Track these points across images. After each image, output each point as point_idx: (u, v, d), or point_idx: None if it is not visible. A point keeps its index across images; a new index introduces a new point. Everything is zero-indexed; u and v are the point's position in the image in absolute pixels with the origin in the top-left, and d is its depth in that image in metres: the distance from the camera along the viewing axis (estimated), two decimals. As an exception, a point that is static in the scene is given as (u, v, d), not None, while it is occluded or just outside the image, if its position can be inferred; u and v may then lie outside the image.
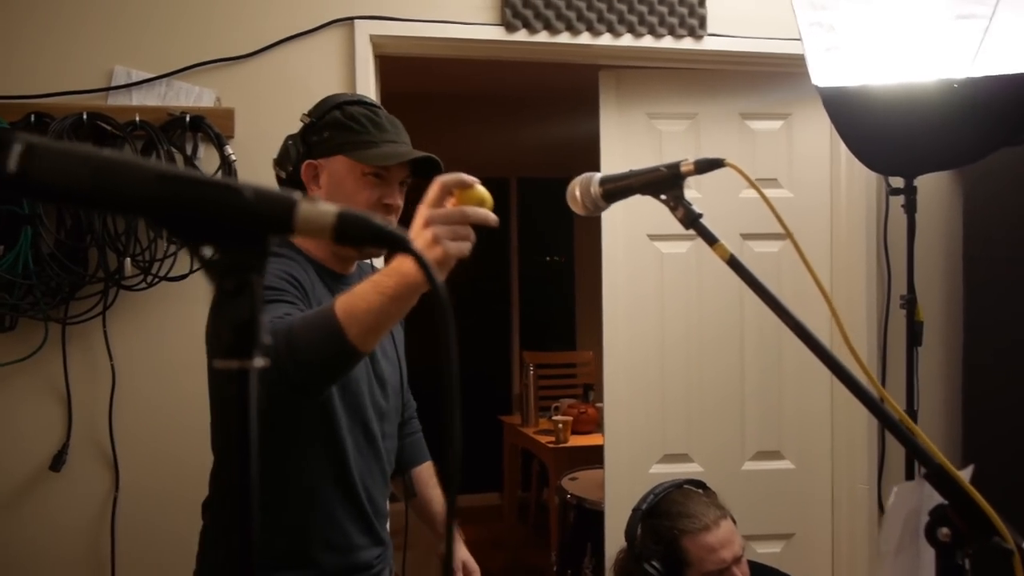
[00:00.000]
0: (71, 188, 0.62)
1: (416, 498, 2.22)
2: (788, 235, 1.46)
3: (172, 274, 2.56)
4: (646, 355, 3.17)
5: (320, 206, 0.64)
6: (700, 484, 2.31)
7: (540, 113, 6.12)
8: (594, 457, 4.79)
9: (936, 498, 1.10)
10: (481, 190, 1.29)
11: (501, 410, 6.54)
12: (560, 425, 4.91)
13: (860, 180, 3.08)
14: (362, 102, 1.87)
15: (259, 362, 0.62)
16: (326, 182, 1.82)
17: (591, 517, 4.00)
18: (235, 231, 0.62)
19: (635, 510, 2.28)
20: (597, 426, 5.20)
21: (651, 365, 3.17)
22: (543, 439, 5.04)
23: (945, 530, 1.10)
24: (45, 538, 2.58)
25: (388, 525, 2.16)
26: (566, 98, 5.34)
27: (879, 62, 2.53)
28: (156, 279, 2.54)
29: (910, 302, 2.78)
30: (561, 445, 4.89)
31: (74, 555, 2.59)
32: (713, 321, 3.17)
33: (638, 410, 3.16)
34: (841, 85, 2.53)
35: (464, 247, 1.25)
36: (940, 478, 1.09)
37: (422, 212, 1.25)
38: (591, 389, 5.64)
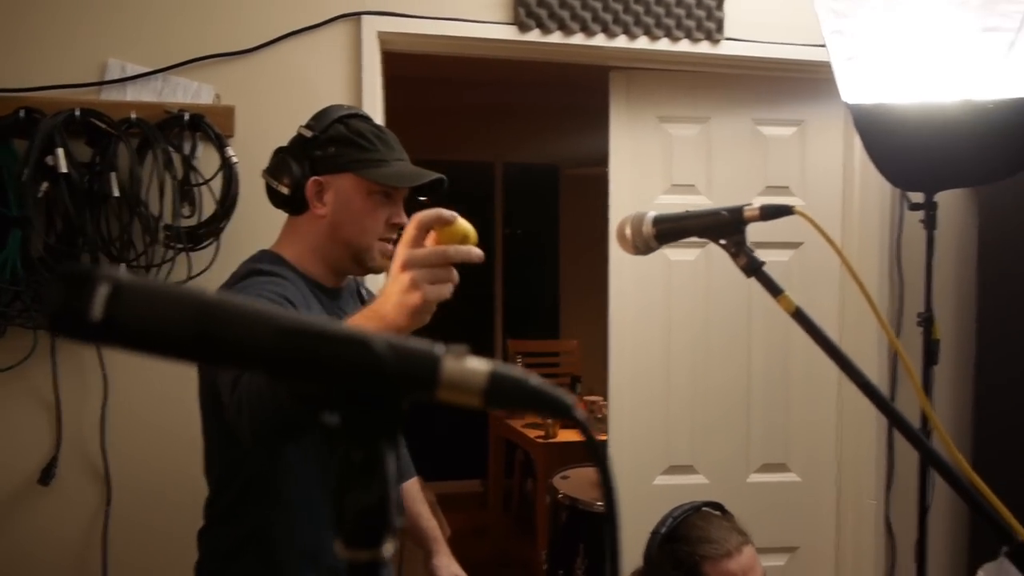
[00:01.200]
0: (169, 337, 0.52)
1: (403, 514, 2.15)
2: (855, 279, 1.39)
3: (170, 280, 2.43)
4: (652, 363, 3.09)
5: (469, 364, 0.53)
6: (719, 506, 2.25)
7: (530, 98, 6.00)
8: (583, 453, 4.73)
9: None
10: (463, 225, 1.19)
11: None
12: (549, 420, 4.83)
13: (874, 192, 3.00)
14: (361, 116, 1.81)
15: (390, 549, 0.52)
16: (332, 200, 1.76)
17: (584, 518, 3.94)
18: (365, 393, 0.52)
19: (654, 533, 2.21)
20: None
21: (657, 373, 3.10)
22: (531, 433, 4.96)
23: None
24: (34, 554, 2.46)
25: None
26: (561, 84, 5.23)
27: (902, 74, 2.45)
28: (152, 286, 2.41)
29: (927, 320, 2.71)
30: (551, 440, 4.82)
31: (65, 569, 2.48)
32: (720, 330, 3.10)
33: (642, 420, 3.09)
34: (870, 102, 2.45)
35: (445, 290, 1.17)
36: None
37: (400, 253, 1.16)
38: (579, 381, 5.57)
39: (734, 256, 1.42)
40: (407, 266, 1.15)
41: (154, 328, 0.51)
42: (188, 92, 2.50)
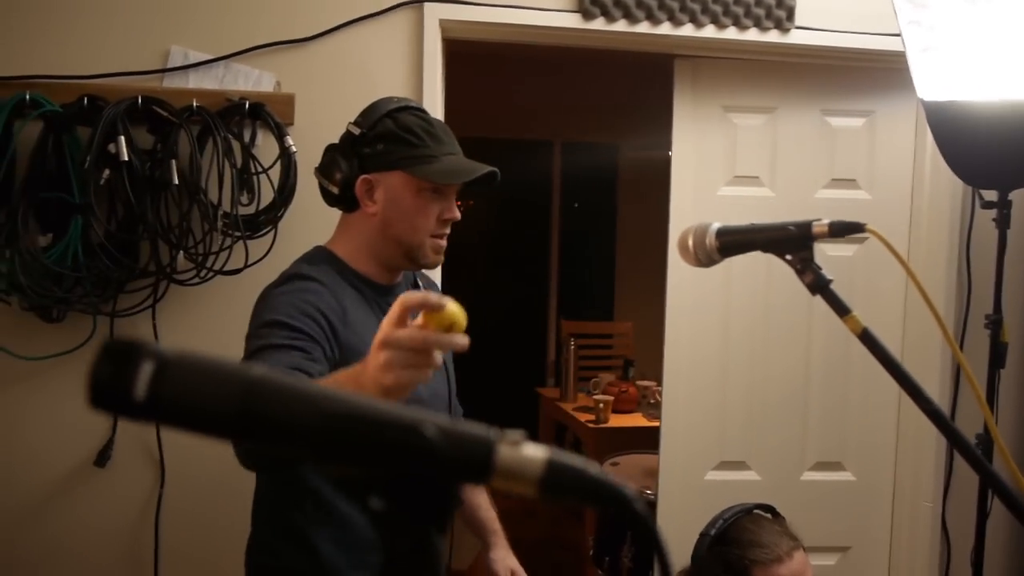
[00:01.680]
0: (213, 416, 0.50)
1: (463, 505, 2.13)
2: (921, 293, 1.33)
3: (227, 268, 2.44)
4: (708, 352, 3.04)
5: (524, 451, 0.51)
6: (770, 509, 2.22)
7: (592, 79, 5.93)
8: (634, 439, 4.70)
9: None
10: (452, 311, 1.11)
11: (536, 378, 6.46)
12: (600, 405, 4.80)
13: (944, 188, 2.91)
14: (410, 108, 1.78)
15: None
16: (382, 198, 1.75)
17: (633, 506, 3.93)
18: (416, 479, 0.50)
19: (703, 535, 2.18)
20: (638, 405, 5.10)
21: (713, 363, 3.04)
22: (582, 417, 4.94)
23: None
24: (88, 533, 2.51)
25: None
26: (624, 67, 5.16)
27: (979, 70, 2.36)
28: (210, 273, 2.43)
29: (996, 322, 2.63)
30: (601, 426, 4.79)
31: (117, 551, 2.53)
32: (780, 321, 3.03)
33: (696, 412, 3.05)
34: (945, 99, 2.36)
35: (421, 376, 1.11)
36: None
37: (383, 329, 1.12)
38: (631, 365, 5.53)
39: (800, 273, 1.37)
40: (384, 346, 1.10)
41: (198, 407, 0.50)
42: (249, 80, 2.49)
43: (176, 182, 2.35)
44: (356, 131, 1.75)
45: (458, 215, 1.81)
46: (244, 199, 2.45)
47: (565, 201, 6.82)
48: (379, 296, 1.81)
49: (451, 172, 1.73)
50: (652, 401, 5.01)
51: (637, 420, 4.93)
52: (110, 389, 0.49)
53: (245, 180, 2.45)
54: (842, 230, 1.34)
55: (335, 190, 1.76)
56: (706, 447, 3.06)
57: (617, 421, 4.87)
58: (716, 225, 1.45)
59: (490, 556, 2.09)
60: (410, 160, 1.72)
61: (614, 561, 4.02)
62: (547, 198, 6.78)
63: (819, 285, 1.34)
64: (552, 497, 0.50)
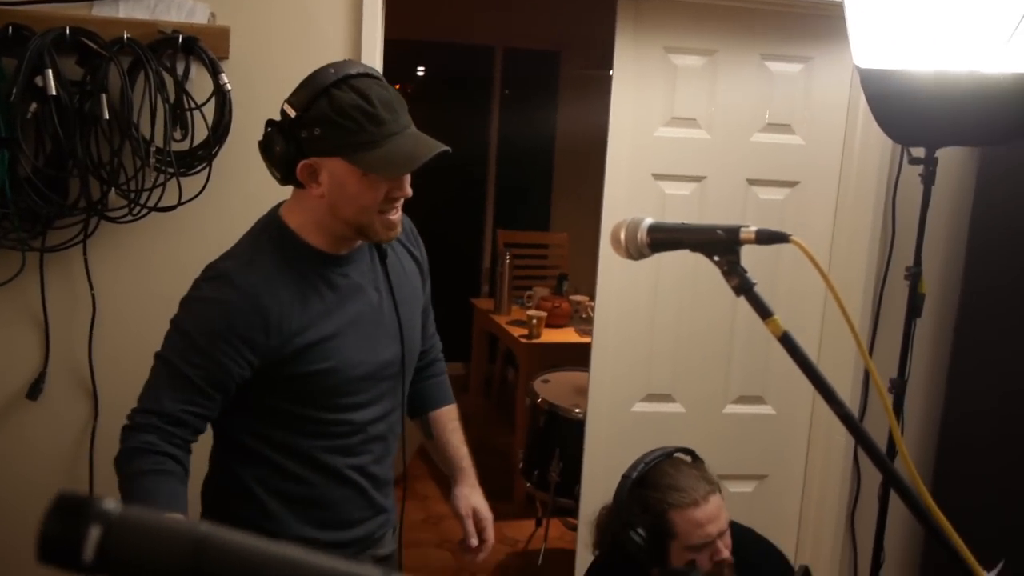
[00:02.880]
0: (165, 573, 0.53)
1: (432, 440, 2.16)
2: (841, 309, 1.39)
3: (161, 204, 2.41)
4: (639, 298, 3.10)
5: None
6: (690, 452, 2.31)
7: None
8: (567, 356, 4.80)
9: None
10: None
11: (471, 287, 6.50)
12: (534, 320, 4.88)
13: (875, 141, 2.96)
14: (349, 81, 1.65)
15: None
16: (327, 181, 1.69)
17: (562, 424, 4.04)
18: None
19: (625, 477, 2.27)
20: (570, 319, 5.20)
21: (643, 308, 3.11)
22: (515, 331, 5.02)
23: None
24: (22, 465, 2.53)
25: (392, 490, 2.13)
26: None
27: (914, 40, 2.40)
28: (144, 210, 2.40)
29: (915, 275, 2.73)
30: (534, 341, 4.88)
31: (52, 482, 2.55)
32: (711, 267, 3.09)
33: (626, 351, 3.12)
34: (880, 67, 2.40)
35: None
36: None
37: None
38: (565, 279, 5.60)
39: (726, 275, 1.42)
40: None
41: (147, 567, 0.53)
42: (182, 10, 2.42)
43: (107, 117, 2.30)
44: (292, 113, 1.66)
45: (409, 192, 1.76)
46: (177, 135, 2.41)
47: (504, 109, 6.76)
48: (331, 268, 1.79)
49: (392, 163, 1.67)
50: (584, 316, 5.12)
51: (569, 335, 5.03)
52: (58, 548, 0.51)
53: (178, 116, 2.40)
54: (768, 238, 1.37)
55: (277, 174, 1.72)
56: (633, 378, 3.15)
57: (550, 336, 4.96)
58: (648, 221, 1.48)
59: (454, 492, 2.09)
60: (349, 147, 1.65)
61: (543, 475, 4.16)
62: (487, 105, 6.70)
63: (744, 288, 1.39)
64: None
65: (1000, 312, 2.90)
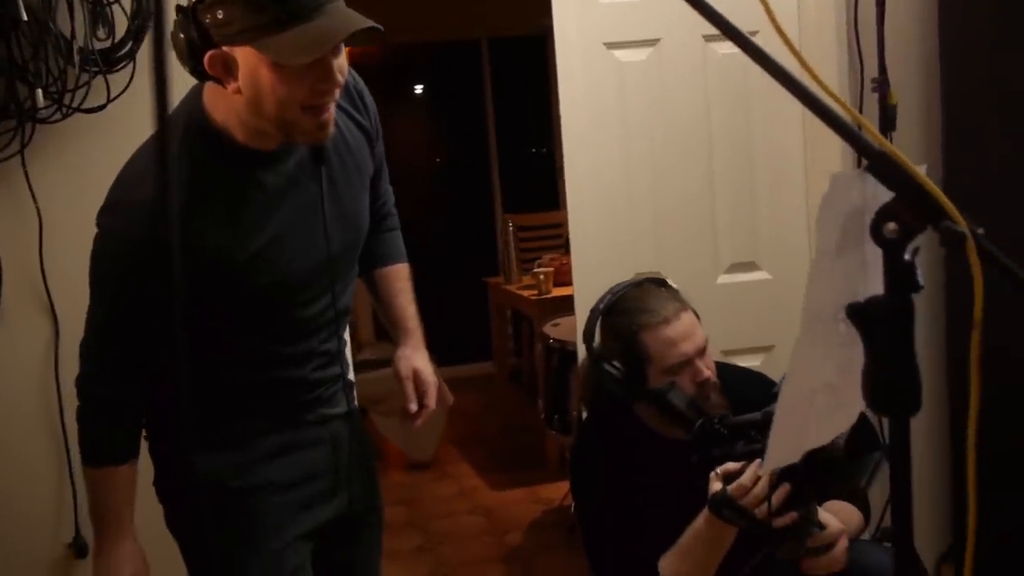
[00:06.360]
0: None
1: (378, 300, 2.05)
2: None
3: (86, 105, 2.39)
4: (611, 175, 3.01)
5: None
6: (661, 282, 2.21)
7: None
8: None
9: (882, 199, 0.98)
10: None
11: (488, 272, 6.49)
12: (542, 277, 4.81)
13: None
14: None
15: None
16: (241, 75, 1.47)
17: (573, 359, 3.93)
18: None
19: (592, 310, 2.18)
20: (579, 276, 5.10)
21: (617, 186, 3.02)
22: (526, 293, 4.95)
23: (891, 225, 0.97)
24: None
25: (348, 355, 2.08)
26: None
27: None
28: (70, 110, 2.38)
29: (882, 84, 2.61)
30: (544, 296, 4.80)
31: (23, 401, 2.52)
32: (679, 132, 3.00)
33: (605, 234, 3.02)
34: None
35: None
36: (884, 166, 0.96)
37: None
38: (573, 240, 5.53)
39: None
40: None
41: None
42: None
43: (24, 18, 2.30)
44: None
45: (339, 81, 1.52)
46: (101, 33, 2.40)
47: (497, 99, 6.80)
48: (261, 167, 1.63)
49: (301, 46, 1.42)
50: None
51: (578, 290, 4.93)
52: None
53: (99, 13, 2.39)
54: None
55: (186, 68, 1.50)
56: (618, 265, 3.03)
57: (560, 292, 4.86)
58: None
59: (396, 354, 1.97)
60: (254, 32, 1.41)
61: (563, 416, 4.05)
62: (479, 99, 6.76)
63: None
64: None
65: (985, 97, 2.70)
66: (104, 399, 1.70)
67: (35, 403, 2.51)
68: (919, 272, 0.97)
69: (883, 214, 0.97)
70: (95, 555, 1.73)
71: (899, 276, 0.97)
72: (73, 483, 2.50)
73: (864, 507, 2.07)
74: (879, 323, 1.00)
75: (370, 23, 1.45)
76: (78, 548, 2.52)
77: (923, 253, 0.97)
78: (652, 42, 2.98)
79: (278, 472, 1.78)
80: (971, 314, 0.89)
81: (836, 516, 1.87)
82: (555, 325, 4.28)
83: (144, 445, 1.77)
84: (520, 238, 5.56)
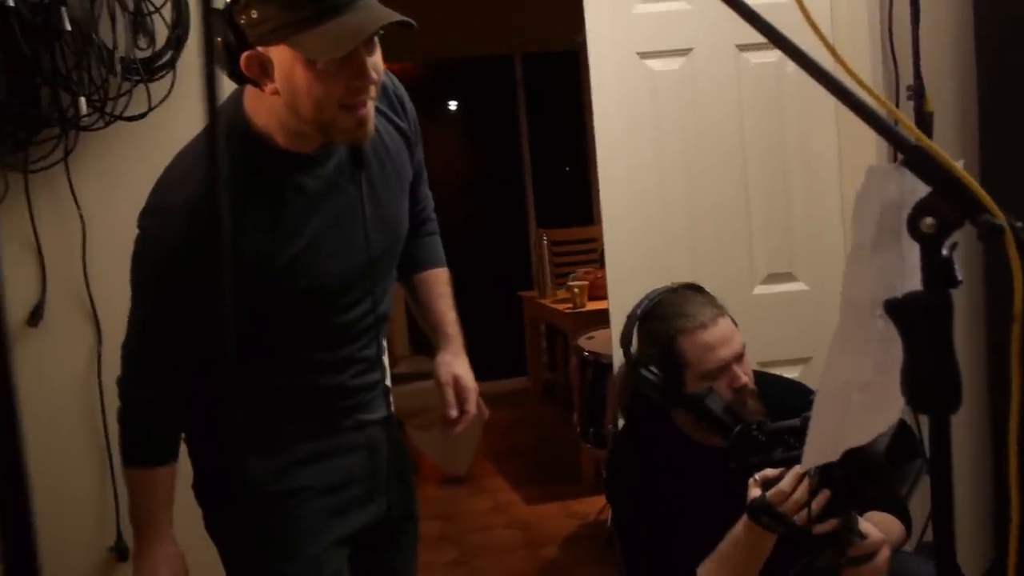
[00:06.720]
0: None
1: (417, 305, 2.05)
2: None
3: (127, 113, 2.43)
4: (644, 184, 3.01)
5: None
6: (696, 287, 2.20)
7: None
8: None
9: (919, 193, 0.98)
10: None
11: (522, 287, 6.51)
12: (576, 290, 4.81)
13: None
14: None
15: None
16: (277, 75, 1.49)
17: (608, 371, 3.91)
18: None
19: (629, 316, 2.17)
20: (613, 290, 5.09)
21: (651, 193, 3.01)
22: (561, 307, 4.95)
23: (929, 220, 0.97)
24: (31, 393, 2.51)
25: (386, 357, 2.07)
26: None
27: None
28: (112, 118, 2.42)
29: (918, 91, 2.59)
30: (579, 310, 4.80)
31: (65, 409, 2.54)
32: (712, 141, 2.99)
33: (638, 243, 3.02)
34: None
35: None
36: (921, 160, 0.95)
37: None
38: (607, 254, 5.53)
39: None
40: None
41: None
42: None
43: (68, 28, 2.34)
44: None
45: (373, 78, 1.53)
46: (143, 42, 2.44)
47: (531, 116, 6.83)
48: (300, 170, 1.64)
49: (333, 42, 1.43)
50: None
51: (613, 303, 4.93)
52: None
53: (140, 22, 2.43)
54: None
55: (224, 72, 1.51)
56: (652, 275, 3.01)
57: (594, 306, 4.86)
58: None
59: (436, 360, 1.97)
60: (287, 30, 1.42)
61: (598, 429, 4.03)
62: (513, 115, 6.79)
63: None
64: None
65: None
66: (141, 401, 1.72)
67: (78, 408, 2.54)
68: (957, 267, 0.96)
69: (920, 209, 0.97)
70: (134, 557, 1.74)
71: (937, 271, 0.96)
72: (115, 487, 2.53)
73: (905, 518, 2.04)
74: (917, 319, 0.99)
75: (401, 17, 1.46)
76: (120, 552, 2.54)
77: (961, 247, 0.96)
78: (685, 51, 2.98)
79: (315, 477, 1.78)
80: (1011, 308, 0.88)
81: (877, 527, 1.84)
82: (590, 338, 4.27)
83: (183, 448, 1.78)
84: (554, 252, 5.57)
